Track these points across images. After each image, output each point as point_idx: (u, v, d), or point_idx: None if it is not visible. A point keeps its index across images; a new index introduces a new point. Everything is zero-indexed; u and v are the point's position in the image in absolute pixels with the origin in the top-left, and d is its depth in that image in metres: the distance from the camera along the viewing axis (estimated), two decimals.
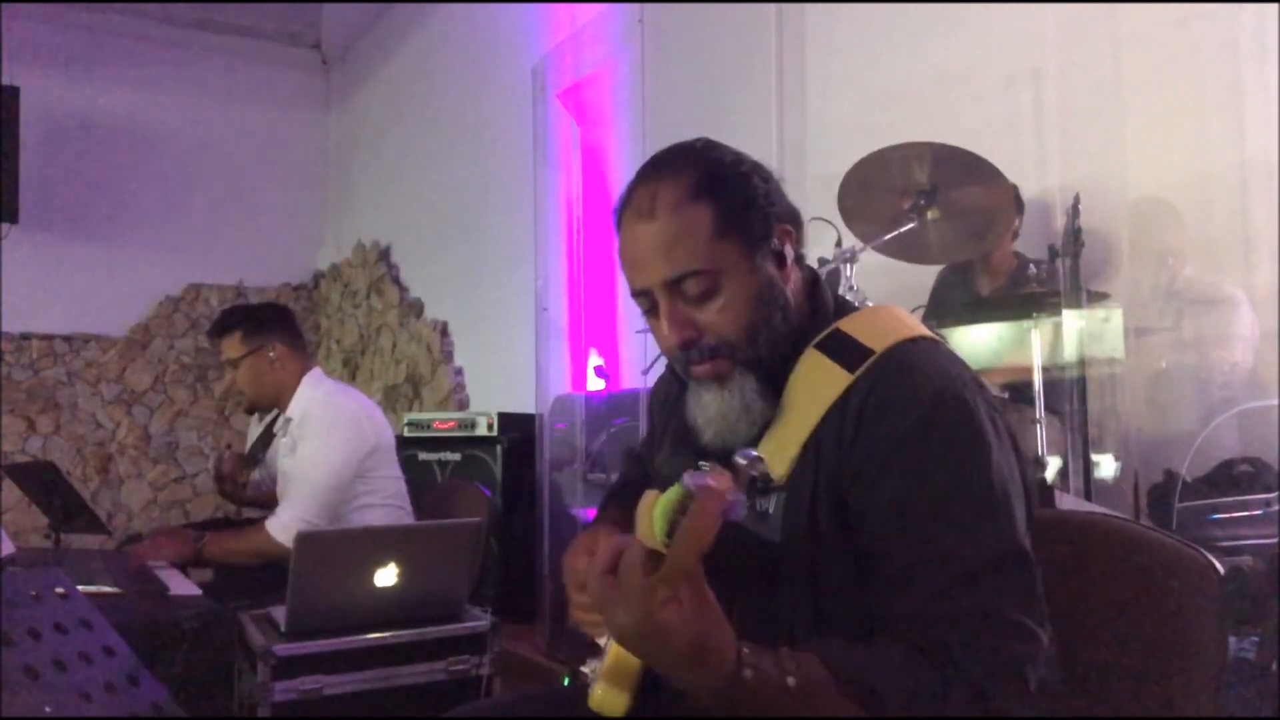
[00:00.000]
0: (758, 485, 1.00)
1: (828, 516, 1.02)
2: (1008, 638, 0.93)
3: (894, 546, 0.98)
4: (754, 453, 0.83)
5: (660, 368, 1.26)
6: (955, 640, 0.92)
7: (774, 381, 1.09)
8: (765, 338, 1.08)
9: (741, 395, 1.07)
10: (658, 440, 1.32)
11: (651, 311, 1.10)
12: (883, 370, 1.04)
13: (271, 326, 2.67)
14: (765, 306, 1.08)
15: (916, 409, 1.00)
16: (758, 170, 1.11)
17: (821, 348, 1.08)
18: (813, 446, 1.05)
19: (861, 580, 1.01)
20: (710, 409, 1.08)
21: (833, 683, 0.89)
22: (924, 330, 1.11)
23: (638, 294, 1.10)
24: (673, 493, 0.82)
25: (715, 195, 1.06)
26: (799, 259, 1.14)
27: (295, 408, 2.62)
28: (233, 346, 2.64)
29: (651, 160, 1.12)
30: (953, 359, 1.08)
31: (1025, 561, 0.97)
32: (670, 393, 1.30)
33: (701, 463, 1.14)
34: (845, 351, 1.06)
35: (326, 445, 2.49)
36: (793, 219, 1.13)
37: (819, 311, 1.13)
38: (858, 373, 1.04)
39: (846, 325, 1.10)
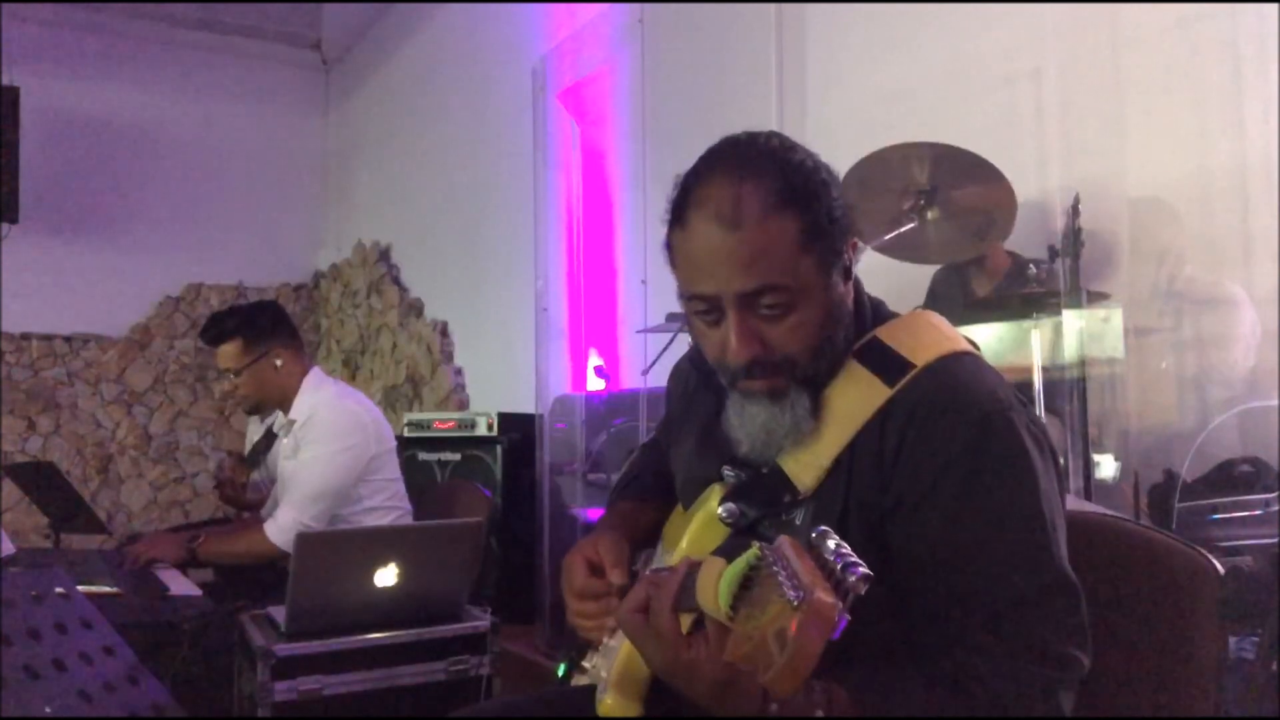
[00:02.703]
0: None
1: (858, 533, 0.99)
2: (1047, 667, 0.91)
3: (938, 575, 0.96)
4: (862, 569, 0.72)
5: (662, 366, 1.24)
6: (993, 670, 0.90)
7: (820, 393, 1.05)
8: (829, 356, 1.04)
9: (793, 413, 1.02)
10: (676, 429, 1.29)
11: (707, 315, 1.03)
12: (925, 387, 1.00)
13: (271, 331, 2.59)
14: (834, 325, 1.04)
15: (963, 434, 0.96)
16: (832, 178, 1.05)
17: (859, 357, 1.05)
18: (846, 461, 1.01)
19: (894, 603, 0.98)
20: (755, 422, 1.03)
21: (861, 717, 0.88)
22: (964, 343, 1.07)
23: (697, 297, 1.02)
24: (740, 564, 0.77)
25: (802, 207, 0.99)
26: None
27: (299, 409, 2.57)
28: (234, 356, 2.55)
29: (727, 154, 1.03)
30: (996, 376, 1.04)
31: (1070, 590, 0.94)
32: (691, 382, 1.25)
33: (729, 478, 1.11)
34: (884, 363, 1.03)
35: (330, 450, 2.46)
36: (858, 231, 1.08)
37: (858, 317, 1.09)
38: (897, 387, 1.00)
39: (885, 334, 1.06)
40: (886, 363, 1.03)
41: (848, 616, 0.72)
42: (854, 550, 0.78)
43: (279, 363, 2.57)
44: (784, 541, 0.77)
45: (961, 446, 0.96)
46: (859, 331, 1.08)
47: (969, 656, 0.92)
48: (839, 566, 0.73)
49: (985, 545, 0.94)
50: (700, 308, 1.03)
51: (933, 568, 0.96)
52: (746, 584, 0.77)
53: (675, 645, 0.84)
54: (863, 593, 0.73)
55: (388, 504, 2.58)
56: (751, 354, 1.01)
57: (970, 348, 1.08)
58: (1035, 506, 0.95)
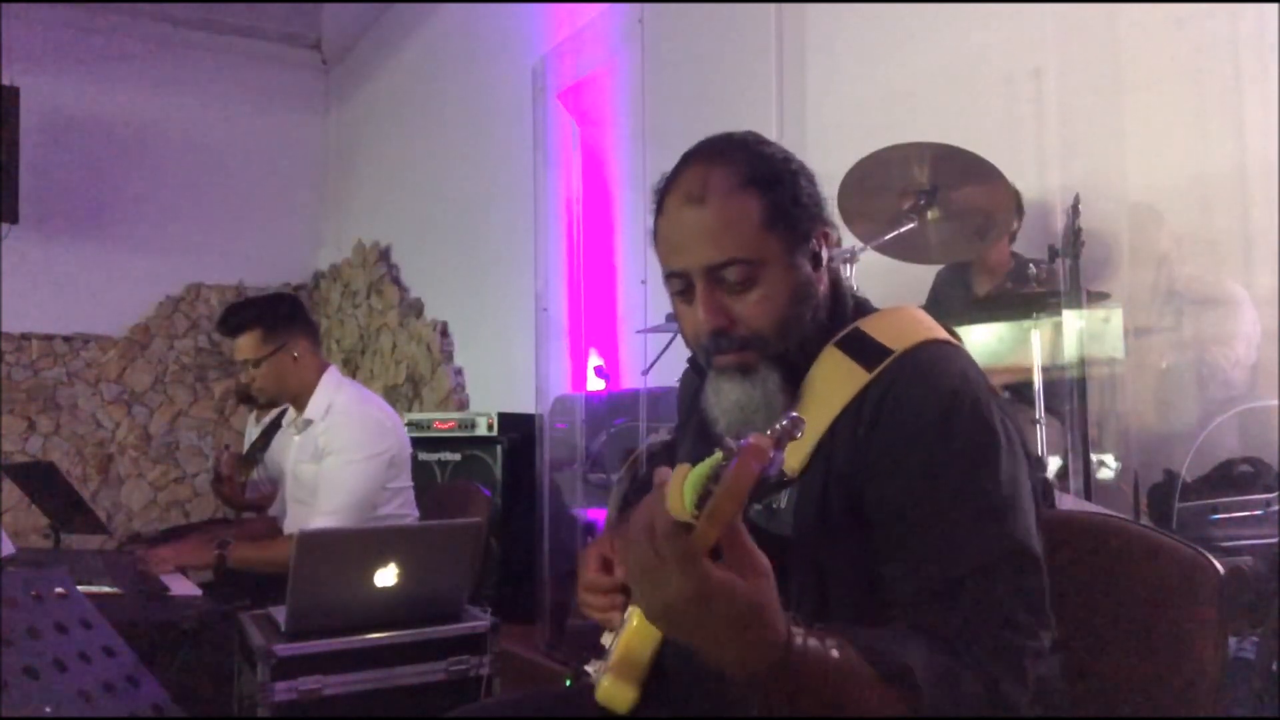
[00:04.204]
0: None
1: (839, 512, 1.03)
2: (1009, 632, 0.93)
3: (903, 539, 0.99)
4: (794, 413, 0.80)
5: (661, 366, 1.26)
6: (958, 631, 0.93)
7: (794, 378, 1.10)
8: (795, 335, 1.09)
9: (764, 389, 1.08)
10: (681, 433, 1.34)
11: (683, 294, 1.10)
12: (901, 370, 1.04)
13: (291, 322, 2.54)
14: (799, 304, 1.09)
15: (933, 408, 1.01)
16: (803, 170, 1.12)
17: (841, 346, 1.09)
18: (827, 442, 1.05)
19: (871, 575, 1.01)
20: (729, 399, 1.09)
21: (868, 662, 0.88)
22: (942, 333, 1.12)
23: (672, 276, 1.10)
24: (703, 466, 0.81)
25: (765, 188, 1.07)
26: (829, 261, 1.14)
27: (315, 409, 2.51)
28: (252, 346, 2.49)
29: (701, 146, 1.12)
30: (970, 364, 1.08)
31: (1031, 562, 0.97)
32: (693, 386, 1.30)
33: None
34: (864, 350, 1.07)
35: (361, 457, 2.41)
36: (830, 223, 1.14)
37: (839, 310, 1.15)
38: (875, 371, 1.05)
39: (866, 325, 1.11)
40: (866, 350, 1.07)
41: (782, 454, 0.79)
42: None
43: (297, 355, 2.51)
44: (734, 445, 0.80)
45: (929, 419, 1.01)
46: (840, 323, 1.13)
47: (932, 618, 0.94)
48: (779, 423, 0.80)
49: (947, 511, 0.98)
50: (677, 286, 1.11)
51: (898, 531, 1.00)
52: (716, 477, 0.79)
53: (698, 566, 0.78)
54: (797, 436, 0.79)
55: (400, 511, 2.54)
56: (717, 323, 1.07)
57: (949, 338, 1.12)
58: (996, 479, 0.99)
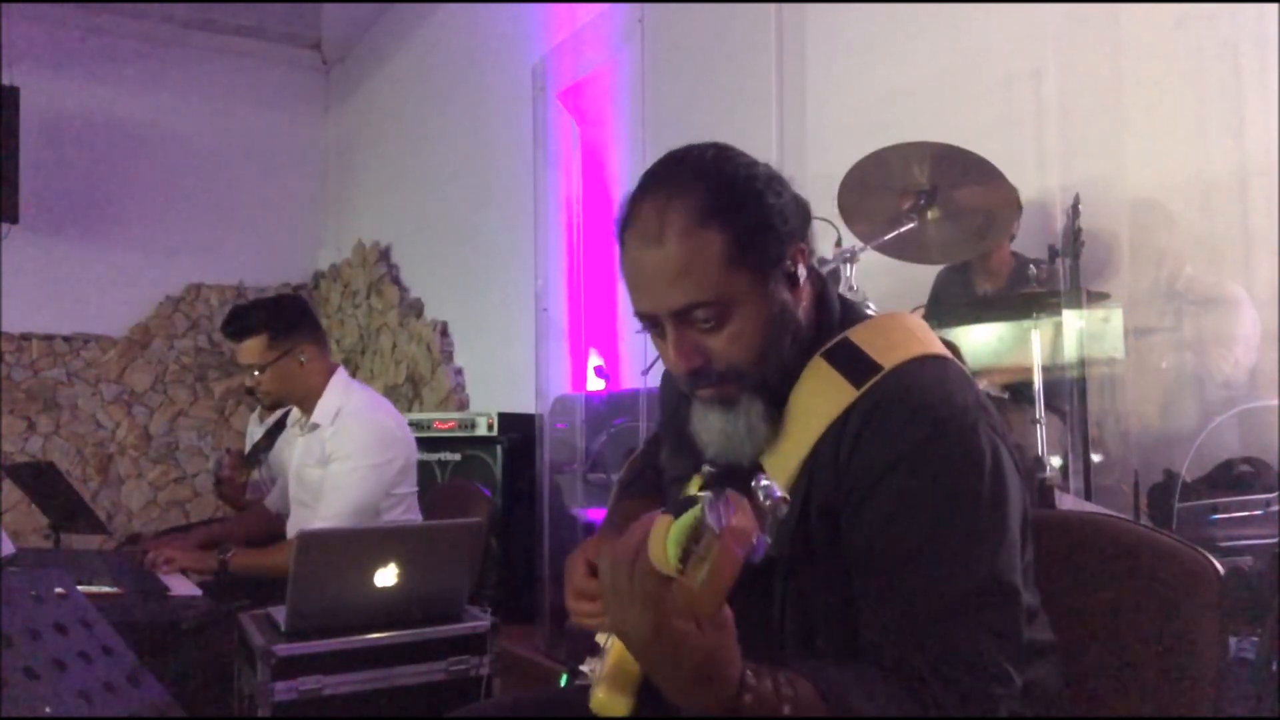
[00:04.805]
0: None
1: (821, 533, 1.01)
2: (980, 679, 0.91)
3: (876, 571, 0.97)
4: (779, 492, 0.78)
5: (661, 366, 1.24)
6: (926, 673, 0.91)
7: (779, 399, 1.06)
8: (774, 362, 1.04)
9: (747, 418, 1.04)
10: (666, 431, 1.31)
11: (655, 331, 1.06)
12: (887, 389, 1.00)
13: (298, 326, 2.49)
14: (776, 333, 1.04)
15: (914, 435, 0.97)
16: (770, 184, 1.04)
17: (829, 357, 1.05)
18: (811, 462, 1.02)
19: (852, 599, 0.99)
20: (714, 428, 1.05)
21: (825, 713, 0.87)
22: (937, 346, 1.07)
23: (640, 315, 1.05)
24: (687, 518, 0.79)
25: (727, 219, 0.99)
26: (810, 270, 1.09)
27: (322, 412, 2.47)
28: (258, 351, 2.44)
29: (657, 172, 1.05)
30: (961, 382, 1.03)
31: (1007, 597, 0.95)
32: (674, 387, 1.26)
33: (708, 473, 1.12)
34: (852, 364, 1.03)
35: (366, 464, 2.39)
36: (805, 232, 1.07)
37: (825, 319, 1.09)
38: (862, 389, 1.01)
39: (856, 335, 1.06)
40: (855, 364, 1.03)
41: (767, 539, 0.78)
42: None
43: (304, 359, 2.47)
44: (728, 493, 0.79)
45: (908, 447, 0.97)
46: (827, 332, 1.08)
47: (907, 655, 0.92)
48: (763, 499, 0.79)
49: (921, 543, 0.95)
50: (647, 323, 1.06)
51: (872, 562, 0.97)
52: (696, 538, 0.78)
53: (663, 611, 0.79)
54: (781, 515, 0.79)
55: (404, 518, 2.53)
56: (691, 365, 1.03)
57: (943, 351, 1.07)
58: (975, 510, 0.95)
